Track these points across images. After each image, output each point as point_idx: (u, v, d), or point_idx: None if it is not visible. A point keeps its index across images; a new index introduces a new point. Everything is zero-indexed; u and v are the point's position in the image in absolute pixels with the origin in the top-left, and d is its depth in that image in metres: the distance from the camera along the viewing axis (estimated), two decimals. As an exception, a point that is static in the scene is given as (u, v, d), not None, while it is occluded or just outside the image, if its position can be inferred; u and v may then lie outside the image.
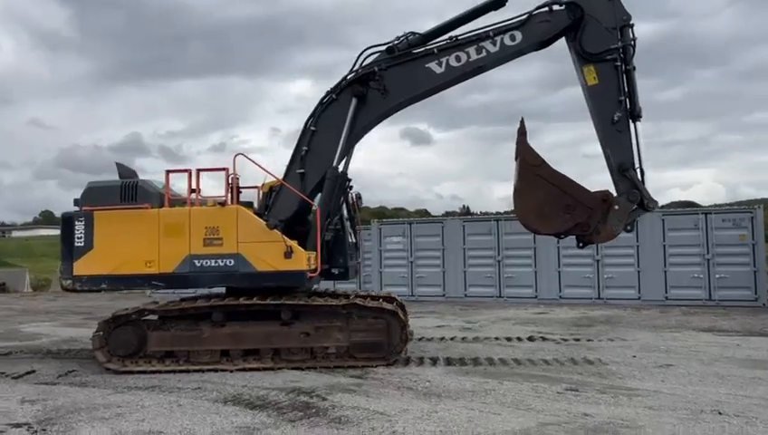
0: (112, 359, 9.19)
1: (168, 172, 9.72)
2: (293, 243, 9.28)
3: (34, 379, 8.86)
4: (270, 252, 9.28)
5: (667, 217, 18.00)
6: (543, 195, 8.73)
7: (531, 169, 8.76)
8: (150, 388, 8.01)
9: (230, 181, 9.63)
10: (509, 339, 11.66)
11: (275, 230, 9.37)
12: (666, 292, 17.86)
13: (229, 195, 9.58)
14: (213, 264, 9.35)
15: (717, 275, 17.41)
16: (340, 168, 9.86)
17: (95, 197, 9.72)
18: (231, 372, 8.94)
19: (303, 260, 9.25)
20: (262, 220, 9.43)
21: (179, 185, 10.04)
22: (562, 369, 8.79)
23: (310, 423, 6.14)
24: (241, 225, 9.34)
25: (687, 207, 31.36)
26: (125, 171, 10.29)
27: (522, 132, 8.78)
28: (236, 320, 9.30)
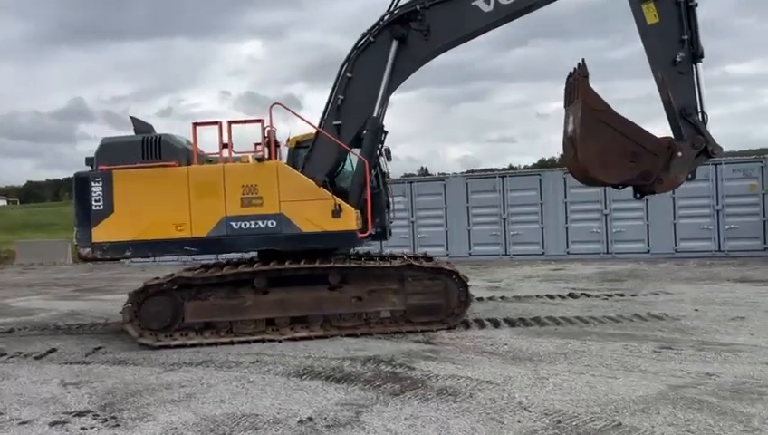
0: (144, 333, 8.32)
1: (195, 125, 8.71)
2: (341, 201, 8.48)
3: (60, 358, 7.94)
4: (316, 211, 8.46)
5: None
6: (607, 142, 8.11)
7: (594, 114, 8.10)
8: (201, 363, 7.21)
9: (266, 134, 8.72)
10: (551, 296, 11.19)
11: (321, 187, 8.56)
12: (675, 244, 17.74)
13: (266, 149, 8.68)
14: (252, 226, 8.49)
15: (727, 226, 17.35)
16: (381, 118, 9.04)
17: (112, 154, 8.67)
18: (279, 342, 8.19)
19: (353, 219, 8.48)
20: (305, 177, 8.59)
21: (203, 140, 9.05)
22: (635, 326, 8.34)
23: (418, 397, 5.47)
24: (283, 182, 8.47)
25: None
26: (141, 126, 9.23)
27: (584, 74, 8.10)
28: (279, 286, 8.51)
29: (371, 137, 8.85)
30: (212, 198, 8.51)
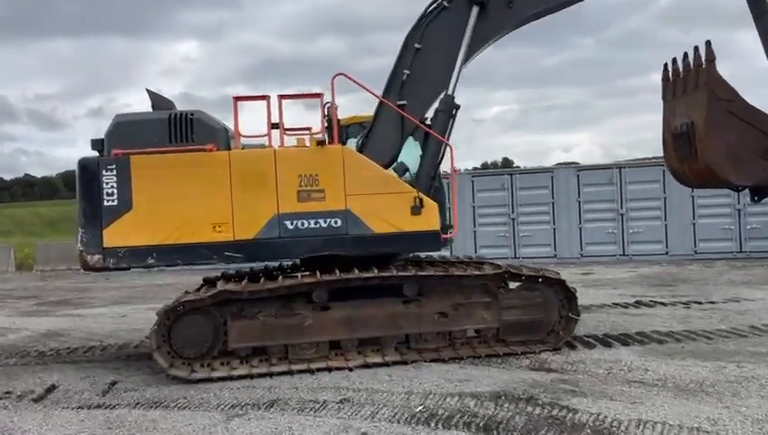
0: (176, 362, 6.51)
1: (236, 99, 6.95)
2: (423, 194, 6.92)
3: (68, 399, 6.05)
4: (391, 207, 6.86)
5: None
6: (737, 137, 6.84)
7: (721, 104, 6.82)
8: (271, 405, 5.49)
9: (327, 112, 7.04)
10: (623, 306, 9.90)
11: (396, 177, 6.98)
12: (695, 245, 16.90)
13: (327, 131, 7.01)
14: (312, 225, 6.80)
15: (749, 226, 16.62)
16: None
17: (129, 135, 6.81)
18: (350, 370, 6.54)
19: (436, 216, 6.92)
20: (377, 165, 6.97)
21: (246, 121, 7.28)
22: (765, 341, 7.12)
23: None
24: (350, 172, 6.83)
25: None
26: (160, 101, 7.39)
27: (710, 58, 6.80)
28: (339, 299, 6.85)
29: (444, 118, 7.30)
30: (261, 192, 6.77)
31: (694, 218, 16.89)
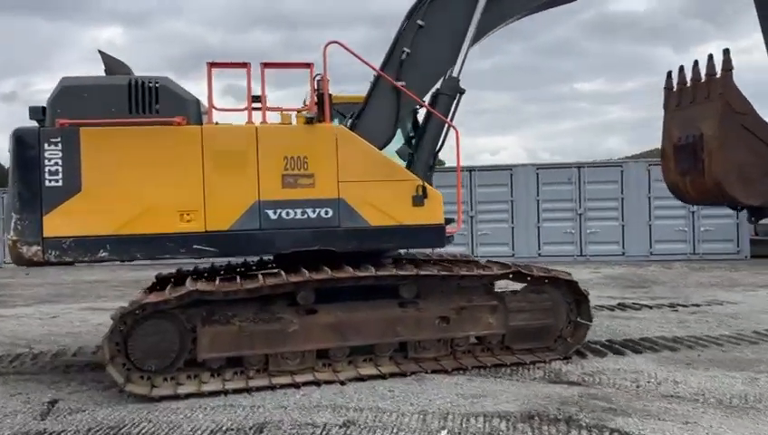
0: (133, 376, 5.42)
1: (211, 66, 5.89)
2: (426, 183, 6.11)
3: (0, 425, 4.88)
4: (390, 197, 6.02)
5: (654, 168, 16.89)
6: (748, 153, 6.41)
7: (736, 117, 6.39)
8: (259, 429, 4.53)
9: (317, 85, 6.10)
10: (609, 308, 9.42)
11: (398, 164, 6.15)
12: (650, 246, 16.87)
13: (316, 107, 6.07)
14: (299, 216, 5.86)
15: (702, 229, 16.74)
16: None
17: (80, 103, 5.64)
18: (343, 384, 5.65)
19: (440, 208, 6.13)
20: (375, 148, 6.10)
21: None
22: (776, 348, 6.74)
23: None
24: (344, 154, 5.93)
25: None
26: (116, 65, 6.23)
27: (727, 68, 6.34)
28: (325, 301, 5.95)
29: (447, 102, 6.52)
30: (239, 175, 5.77)
31: (650, 220, 16.89)
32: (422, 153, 6.48)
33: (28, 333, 8.78)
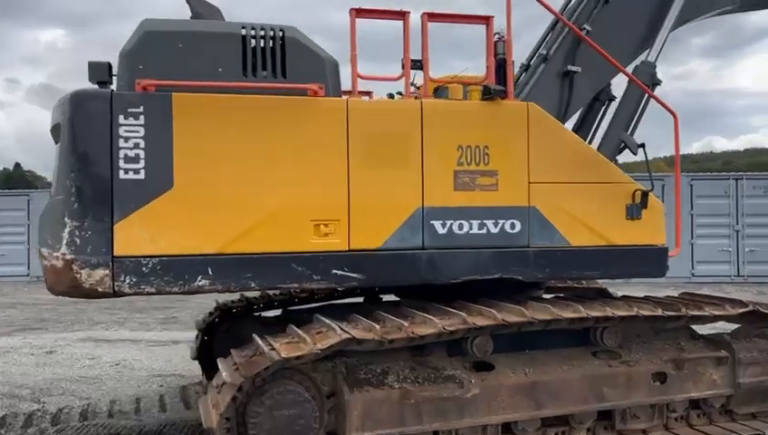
0: (252, 469, 3.56)
1: (356, 12, 4.12)
2: (645, 187, 4.47)
3: None
4: (596, 205, 4.36)
5: (696, 183, 15.72)
6: None
7: None
8: None
9: (497, 48, 4.40)
10: None
11: (605, 159, 4.51)
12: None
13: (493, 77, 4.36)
14: (476, 230, 4.15)
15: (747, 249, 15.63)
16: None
17: (172, 57, 3.80)
18: (541, 472, 3.93)
19: (661, 223, 4.50)
20: (578, 137, 4.46)
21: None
22: None
23: None
24: (537, 143, 4.25)
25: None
26: (206, 9, 4.39)
27: None
28: (502, 351, 4.22)
29: (638, 95, 4.95)
30: (397, 170, 4.03)
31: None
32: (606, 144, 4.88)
33: (27, 377, 6.72)
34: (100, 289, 3.63)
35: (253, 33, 3.90)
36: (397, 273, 4.07)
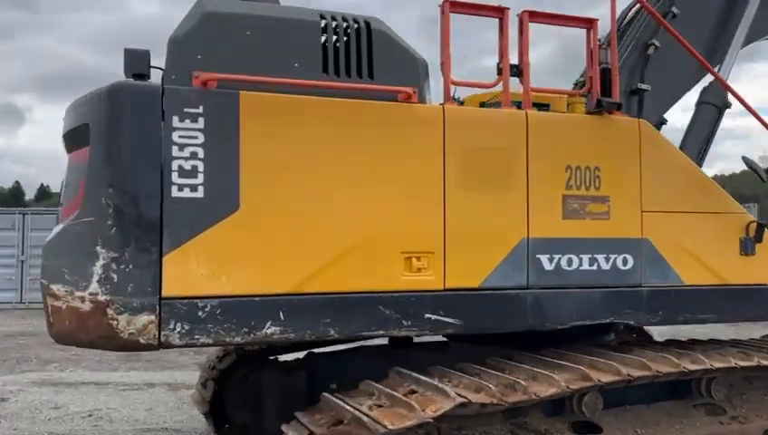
0: None
1: (449, 6, 3.44)
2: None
3: None
4: (709, 238, 3.83)
5: None
6: None
7: None
8: None
9: (601, 57, 3.82)
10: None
11: (718, 186, 3.97)
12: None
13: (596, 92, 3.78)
14: (585, 265, 3.51)
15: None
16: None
17: (237, 47, 3.03)
18: None
19: (774, 260, 4.00)
20: (690, 159, 3.92)
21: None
22: None
23: None
24: (650, 166, 3.69)
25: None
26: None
27: None
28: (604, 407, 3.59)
29: (712, 116, 4.53)
30: (499, 193, 3.36)
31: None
32: None
33: (-17, 433, 5.59)
34: (142, 340, 2.77)
35: (334, 23, 3.18)
36: (498, 318, 3.37)
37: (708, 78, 4.63)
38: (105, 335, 2.78)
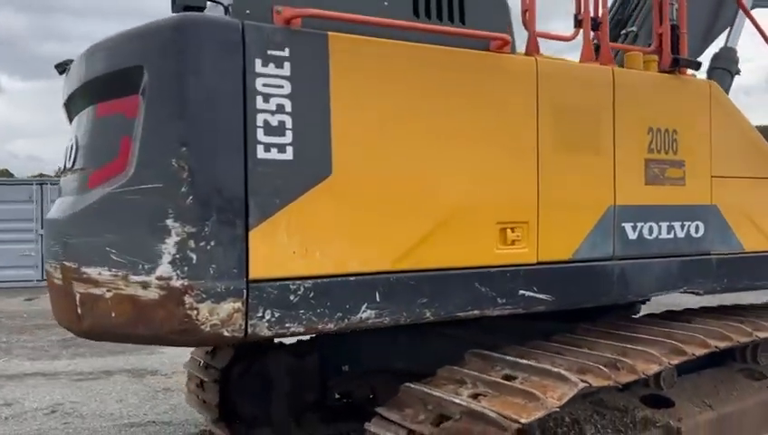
0: None
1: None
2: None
3: None
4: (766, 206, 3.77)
5: None
6: None
7: None
8: None
9: (672, 14, 3.59)
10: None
11: None
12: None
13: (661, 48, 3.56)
14: (663, 234, 3.34)
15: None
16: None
17: (316, -21, 2.53)
18: None
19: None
20: (747, 118, 3.80)
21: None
22: None
23: None
24: (719, 129, 3.54)
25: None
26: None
27: None
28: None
29: (724, 79, 4.49)
30: (588, 156, 3.09)
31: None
32: None
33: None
34: (226, 332, 2.29)
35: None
36: (586, 292, 3.12)
37: (717, 44, 4.60)
38: (180, 329, 2.27)
